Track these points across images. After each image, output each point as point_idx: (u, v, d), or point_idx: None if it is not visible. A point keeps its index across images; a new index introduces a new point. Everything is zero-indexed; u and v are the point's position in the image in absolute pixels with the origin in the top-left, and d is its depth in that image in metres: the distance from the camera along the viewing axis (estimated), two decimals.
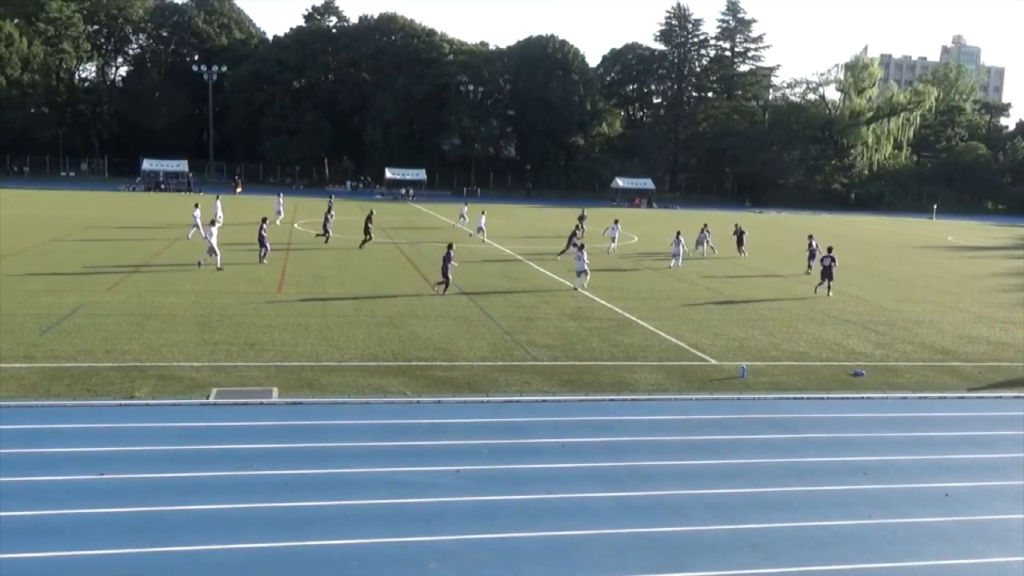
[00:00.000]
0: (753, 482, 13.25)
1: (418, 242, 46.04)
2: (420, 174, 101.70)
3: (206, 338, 20.85)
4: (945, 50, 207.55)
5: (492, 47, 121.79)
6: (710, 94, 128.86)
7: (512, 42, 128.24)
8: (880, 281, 38.70)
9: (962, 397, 19.04)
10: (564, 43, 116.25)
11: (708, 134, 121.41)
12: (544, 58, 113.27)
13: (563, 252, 41.75)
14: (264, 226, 35.69)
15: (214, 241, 33.04)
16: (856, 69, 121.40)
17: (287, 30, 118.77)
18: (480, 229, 49.16)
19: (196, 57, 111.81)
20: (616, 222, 47.23)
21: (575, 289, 31.16)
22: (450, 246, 30.57)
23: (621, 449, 14.53)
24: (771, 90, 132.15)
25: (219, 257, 33.00)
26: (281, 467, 13.03)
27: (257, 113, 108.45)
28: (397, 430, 14.97)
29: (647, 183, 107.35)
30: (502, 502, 12.11)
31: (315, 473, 12.86)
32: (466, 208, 59.34)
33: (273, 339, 21.02)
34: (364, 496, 12.13)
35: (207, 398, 16.18)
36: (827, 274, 33.03)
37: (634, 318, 26.02)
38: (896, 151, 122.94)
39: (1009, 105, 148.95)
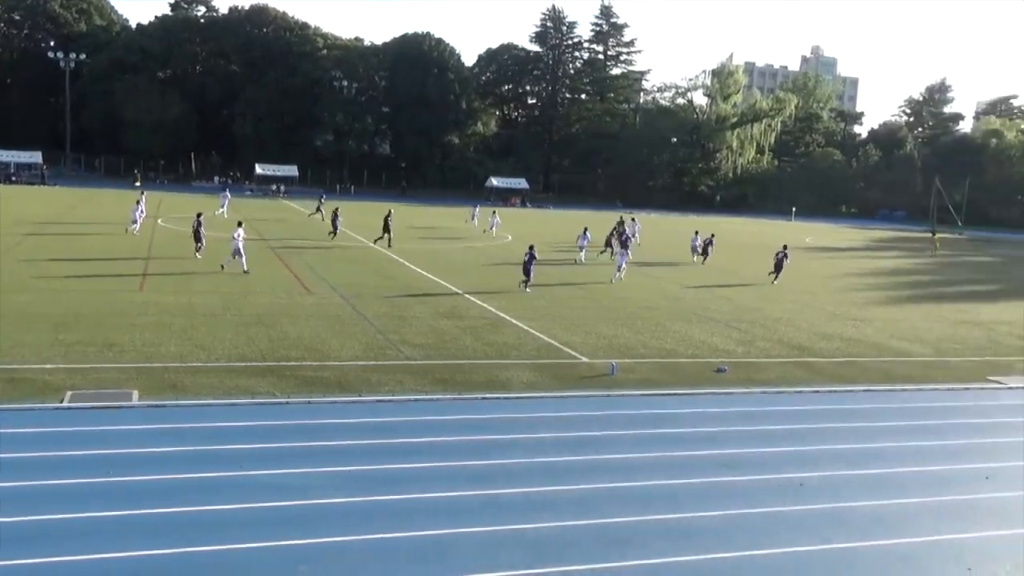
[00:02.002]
0: (620, 477, 13.59)
1: (289, 240, 45.15)
2: (292, 170, 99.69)
3: (60, 338, 19.91)
4: (804, 60, 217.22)
5: (367, 43, 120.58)
6: (583, 96, 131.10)
7: (388, 39, 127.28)
8: (743, 280, 40.26)
9: (816, 391, 20.03)
10: (440, 41, 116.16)
11: (581, 135, 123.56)
12: (420, 56, 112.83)
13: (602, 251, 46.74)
14: (200, 220, 36.07)
15: (240, 244, 32.59)
16: (722, 76, 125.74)
17: (152, 18, 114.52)
18: (493, 226, 56.08)
19: (52, 43, 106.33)
20: (585, 230, 48.16)
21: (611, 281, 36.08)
22: (532, 248, 33.17)
23: (492, 447, 14.66)
24: (642, 94, 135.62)
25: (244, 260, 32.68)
26: (141, 472, 12.56)
27: (118, 104, 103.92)
28: (266, 432, 14.67)
29: (521, 183, 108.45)
30: (375, 503, 12.03)
31: (179, 478, 12.46)
32: (477, 210, 65.44)
33: (134, 339, 20.25)
34: (232, 500, 11.83)
35: (61, 402, 15.46)
36: (779, 267, 40.33)
37: (507, 317, 26.26)
38: (759, 155, 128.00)
39: (862, 114, 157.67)
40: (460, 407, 16.80)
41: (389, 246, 43.79)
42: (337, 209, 49.84)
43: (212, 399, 16.14)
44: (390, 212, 47.25)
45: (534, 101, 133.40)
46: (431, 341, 22.15)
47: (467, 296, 29.89)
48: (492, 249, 47.88)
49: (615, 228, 49.94)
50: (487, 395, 17.63)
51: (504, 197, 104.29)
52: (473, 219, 63.66)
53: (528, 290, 31.84)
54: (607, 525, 11.81)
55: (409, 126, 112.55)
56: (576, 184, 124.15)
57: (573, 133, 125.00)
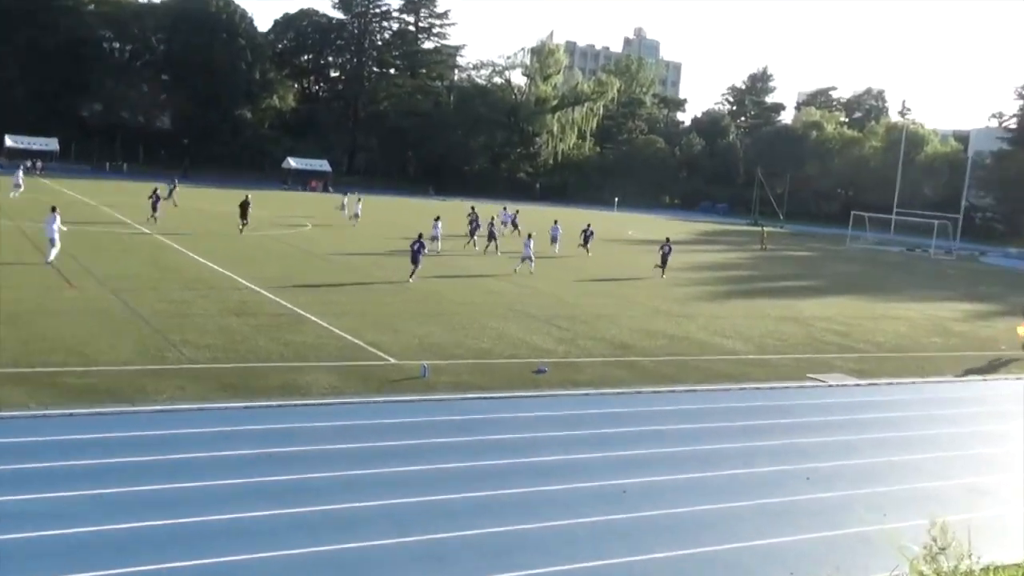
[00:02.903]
0: (433, 489, 13.58)
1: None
2: (51, 143, 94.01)
3: None
4: (627, 42, 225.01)
5: (143, 0, 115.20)
6: (392, 71, 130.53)
7: None
8: (563, 274, 41.27)
9: (639, 392, 20.78)
10: (229, 2, 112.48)
11: (390, 113, 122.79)
12: (206, 18, 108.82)
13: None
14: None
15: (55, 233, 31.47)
16: (542, 54, 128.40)
17: None
18: (356, 216, 57.83)
19: None
20: (556, 222, 53.03)
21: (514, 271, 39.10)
22: (420, 236, 35.12)
23: (290, 460, 14.31)
24: (456, 71, 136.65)
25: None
26: None
27: None
28: (18, 450, 13.70)
29: (323, 164, 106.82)
30: (150, 529, 11.47)
31: None
32: (346, 199, 66.30)
33: None
34: None
35: None
36: (664, 261, 43.81)
37: (308, 314, 25.78)
38: (580, 141, 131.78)
39: (685, 101, 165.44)
40: (251, 416, 16.31)
41: (241, 232, 46.03)
42: (157, 189, 51.19)
43: None
44: (247, 198, 48.40)
45: (337, 74, 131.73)
46: (218, 342, 21.42)
47: (261, 291, 29.12)
48: (291, 238, 46.94)
49: (472, 218, 52.75)
50: (283, 402, 17.22)
51: (304, 180, 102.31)
52: (343, 208, 65.07)
53: (412, 280, 33.69)
54: (420, 542, 11.76)
55: (193, 97, 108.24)
56: (384, 167, 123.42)
57: (381, 111, 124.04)
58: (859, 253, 75.68)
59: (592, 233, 52.18)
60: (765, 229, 77.87)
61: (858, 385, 23.89)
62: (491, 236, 48.58)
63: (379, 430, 16.22)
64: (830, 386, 23.53)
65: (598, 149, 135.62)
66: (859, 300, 42.33)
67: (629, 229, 77.44)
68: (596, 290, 37.24)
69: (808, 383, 23.56)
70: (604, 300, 34.45)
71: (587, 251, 50.45)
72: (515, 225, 59.67)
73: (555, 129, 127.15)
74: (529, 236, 42.42)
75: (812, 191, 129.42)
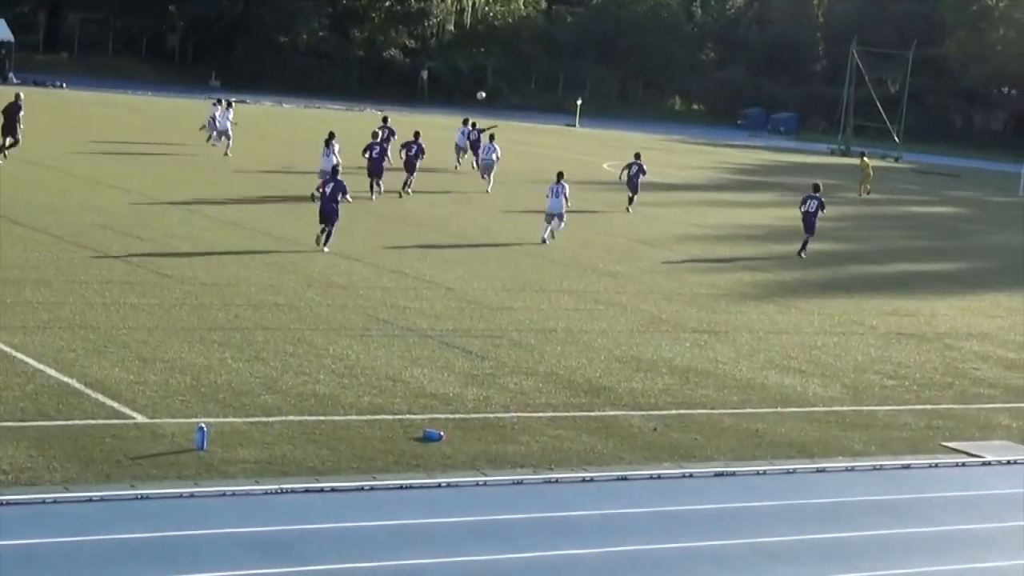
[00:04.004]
0: None
1: None
2: None
3: None
4: None
5: None
6: None
7: None
8: (470, 249, 41.17)
9: (623, 478, 20.74)
10: None
11: None
12: None
13: None
14: None
15: None
16: None
17: None
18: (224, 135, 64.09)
19: None
20: (491, 139, 60.24)
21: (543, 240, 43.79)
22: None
23: None
24: None
25: None
26: None
27: None
28: None
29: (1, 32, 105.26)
30: None
31: None
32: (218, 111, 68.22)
33: None
34: None
35: None
36: (632, 186, 51.89)
37: None
38: None
39: None
40: None
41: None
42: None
43: None
44: (19, 96, 53.05)
45: None
46: None
47: None
48: None
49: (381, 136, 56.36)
50: None
51: None
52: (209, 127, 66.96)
53: (324, 247, 37.79)
54: None
55: None
56: (122, 38, 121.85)
57: None
58: None
59: (641, 170, 55.37)
60: (869, 161, 78.60)
61: None
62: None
63: (108, 556, 15.97)
64: (988, 464, 23.79)
65: (543, 5, 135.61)
66: None
67: (605, 161, 77.51)
68: (540, 281, 37.24)
69: (947, 460, 23.78)
70: (556, 300, 34.44)
71: (629, 207, 55.34)
72: (476, 150, 63.43)
73: None
74: (560, 177, 45.42)
75: (954, 91, 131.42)
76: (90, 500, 17.65)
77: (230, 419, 21.39)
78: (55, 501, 17.47)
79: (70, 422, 20.51)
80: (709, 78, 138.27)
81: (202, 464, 19.30)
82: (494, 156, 59.13)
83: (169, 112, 76.50)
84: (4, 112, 52.43)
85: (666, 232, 50.23)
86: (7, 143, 51.75)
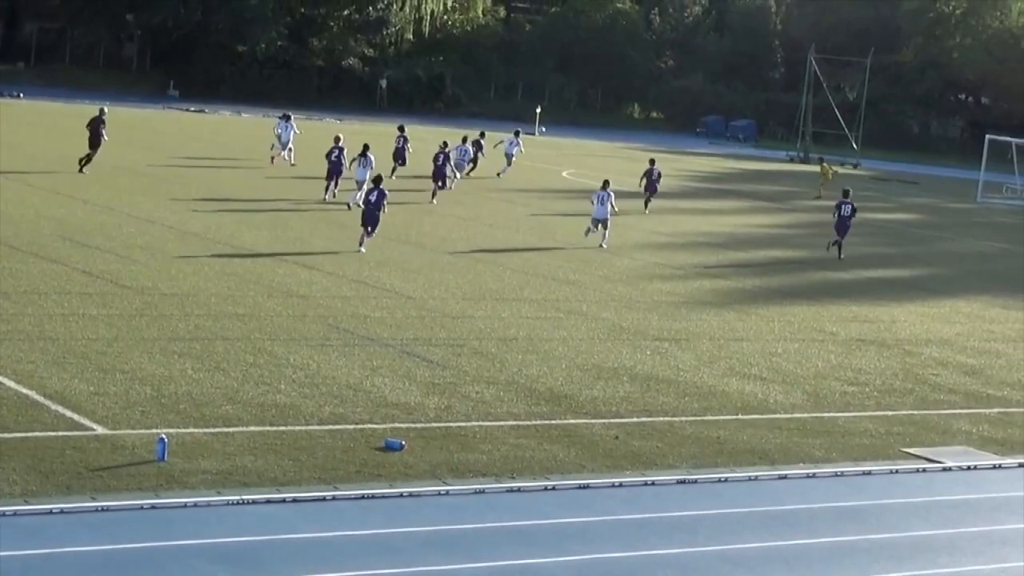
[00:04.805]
0: None
1: None
2: None
3: None
4: None
5: None
6: None
7: None
8: (430, 258, 41.23)
9: (585, 486, 20.76)
10: None
11: None
12: None
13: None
14: None
15: None
16: None
17: None
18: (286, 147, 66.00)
19: None
20: (517, 135, 63.58)
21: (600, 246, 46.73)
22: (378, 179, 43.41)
23: None
24: None
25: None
26: None
27: None
28: None
29: None
30: None
31: None
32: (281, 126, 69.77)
33: None
34: None
35: None
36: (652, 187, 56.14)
37: None
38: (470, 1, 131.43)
39: None
40: None
41: (81, 170, 53.10)
42: None
43: None
44: (102, 112, 55.84)
45: None
46: None
47: None
48: None
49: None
50: None
51: None
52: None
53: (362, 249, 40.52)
54: None
55: None
56: (82, 45, 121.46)
57: None
58: (999, 214, 77.56)
59: (659, 175, 59.81)
60: (829, 167, 78.96)
61: (999, 467, 24.32)
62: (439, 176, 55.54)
63: (58, 574, 15.90)
64: (948, 470, 23.92)
65: (502, 13, 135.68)
66: (999, 306, 43.36)
67: (565, 170, 77.64)
68: (499, 290, 37.25)
69: (907, 465, 23.91)
70: (515, 309, 34.47)
71: (646, 209, 59.78)
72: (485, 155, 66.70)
73: None
74: (606, 185, 47.92)
75: (911, 98, 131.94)
76: (50, 512, 17.58)
77: (191, 430, 21.36)
78: (15, 514, 17.39)
79: (29, 434, 20.44)
80: (668, 86, 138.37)
81: (163, 475, 19.24)
82: (516, 151, 69.52)
83: (127, 121, 76.08)
84: (88, 125, 55.50)
85: (626, 240, 50.22)
86: (90, 156, 54.17)
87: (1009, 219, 75.77)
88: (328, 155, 54.26)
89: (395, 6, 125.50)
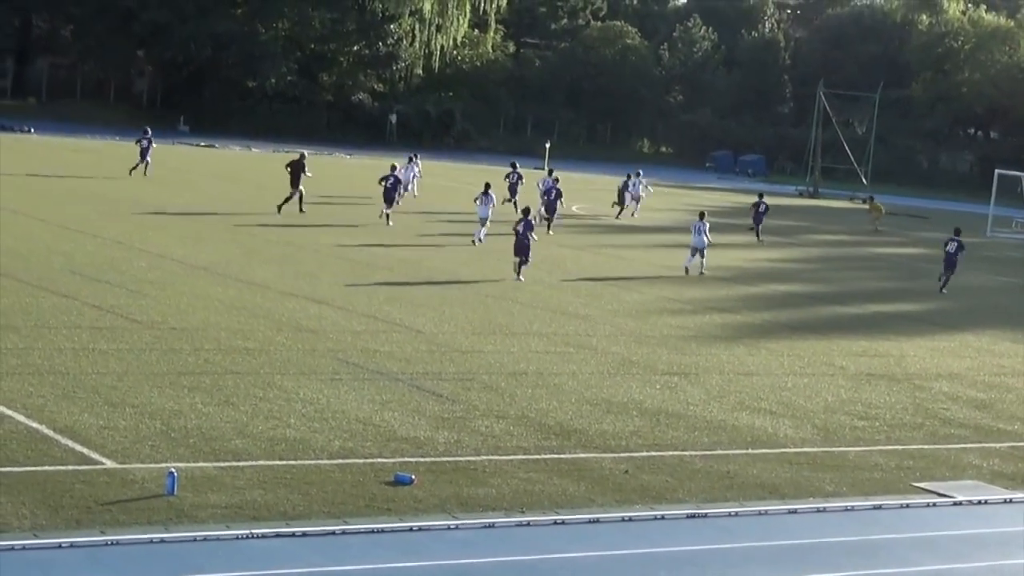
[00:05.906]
0: None
1: None
2: None
3: None
4: None
5: None
6: None
7: None
8: (439, 292, 41.20)
9: (595, 520, 20.74)
10: None
11: None
12: None
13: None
14: None
15: None
16: None
17: None
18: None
19: None
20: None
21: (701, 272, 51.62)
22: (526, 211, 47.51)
23: None
24: None
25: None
26: None
27: None
28: None
29: None
30: None
31: None
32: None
33: None
34: None
35: None
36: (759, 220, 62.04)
37: None
38: (477, 32, 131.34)
39: None
40: None
41: (301, 210, 58.12)
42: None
43: None
44: (303, 156, 60.72)
45: None
46: None
47: None
48: None
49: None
50: None
51: None
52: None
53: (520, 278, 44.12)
54: None
55: None
56: (92, 82, 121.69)
57: None
58: (1009, 248, 77.33)
59: (766, 208, 66.62)
60: (880, 205, 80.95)
61: (1009, 502, 24.27)
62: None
63: None
64: (959, 504, 23.87)
65: (512, 48, 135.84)
66: (1008, 340, 43.31)
67: (574, 204, 77.63)
68: (505, 324, 37.29)
69: (918, 500, 23.83)
70: (523, 343, 34.44)
71: (759, 238, 67.99)
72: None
73: (427, 7, 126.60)
74: (702, 216, 53.38)
75: (920, 133, 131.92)
76: (59, 547, 17.57)
77: (200, 464, 21.34)
78: (24, 548, 17.38)
79: (39, 468, 20.42)
80: (677, 120, 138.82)
81: (172, 509, 19.21)
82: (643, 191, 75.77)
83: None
84: (289, 166, 60.32)
85: (635, 274, 50.32)
86: (290, 197, 58.33)
87: (1018, 253, 75.65)
88: (383, 180, 58.90)
89: (405, 41, 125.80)
